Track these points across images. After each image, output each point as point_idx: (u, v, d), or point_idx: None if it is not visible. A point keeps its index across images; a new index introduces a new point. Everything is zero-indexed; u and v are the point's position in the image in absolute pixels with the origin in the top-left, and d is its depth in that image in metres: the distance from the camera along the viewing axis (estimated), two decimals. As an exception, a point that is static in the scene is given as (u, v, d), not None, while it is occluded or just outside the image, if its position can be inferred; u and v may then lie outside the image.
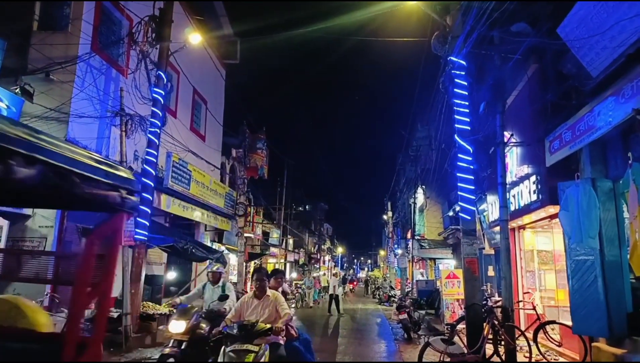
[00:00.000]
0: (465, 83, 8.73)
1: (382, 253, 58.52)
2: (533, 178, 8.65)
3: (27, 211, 9.11)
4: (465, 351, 7.28)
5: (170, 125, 13.51)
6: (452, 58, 8.71)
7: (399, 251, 32.47)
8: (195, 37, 12.00)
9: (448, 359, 6.95)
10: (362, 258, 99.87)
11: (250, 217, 21.71)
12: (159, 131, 10.84)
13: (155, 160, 10.69)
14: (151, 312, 10.56)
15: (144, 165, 10.69)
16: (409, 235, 27.21)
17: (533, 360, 7.46)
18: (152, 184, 10.68)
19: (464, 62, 8.66)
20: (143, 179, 10.51)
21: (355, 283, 49.72)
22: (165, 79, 11.03)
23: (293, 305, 22.04)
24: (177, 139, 13.76)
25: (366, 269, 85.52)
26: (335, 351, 10.07)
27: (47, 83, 9.44)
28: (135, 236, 9.86)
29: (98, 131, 10.36)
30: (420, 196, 25.65)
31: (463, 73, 8.71)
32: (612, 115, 5.93)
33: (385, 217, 47.19)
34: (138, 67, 11.34)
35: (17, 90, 8.49)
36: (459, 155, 8.78)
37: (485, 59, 9.74)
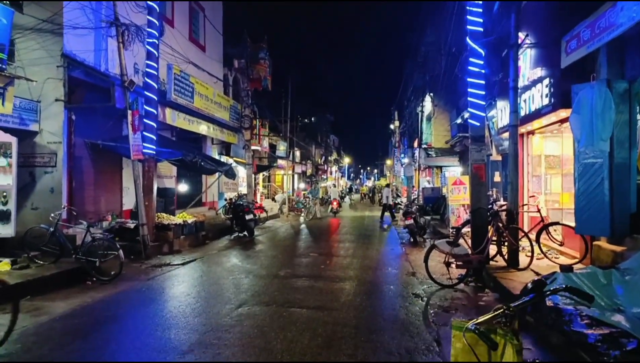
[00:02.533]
0: (480, -21, 8.13)
1: (388, 162, 59.01)
2: (546, 81, 8.37)
3: (34, 127, 9.11)
4: (470, 252, 7.59)
5: (169, 35, 13.00)
6: (466, -50, 8.03)
7: (406, 160, 32.69)
8: None
9: (452, 259, 7.28)
10: (368, 168, 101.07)
11: (256, 130, 21.65)
12: (157, 42, 10.44)
13: (156, 73, 10.43)
14: (166, 223, 10.97)
15: (145, 78, 10.45)
16: (415, 144, 27.22)
17: (535, 259, 7.77)
18: (156, 98, 10.53)
19: (479, -45, 8.00)
20: (145, 92, 10.35)
21: (366, 190, 51.27)
22: (159, -16, 10.37)
23: (302, 216, 22.78)
24: (177, 50, 13.29)
25: (372, 179, 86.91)
26: (345, 254, 10.55)
27: (36, -9, 8.93)
28: (144, 150, 9.94)
29: (94, 43, 9.98)
30: (428, 104, 25.23)
31: (478, -33, 8.08)
32: (636, 10, 5.53)
33: (392, 126, 46.88)
34: (129, -29, 10.62)
35: (5, 0, 8.05)
36: (470, 59, 8.44)
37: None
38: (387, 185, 24.21)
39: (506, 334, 1.90)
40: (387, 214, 20.42)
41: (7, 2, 8.08)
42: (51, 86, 9.15)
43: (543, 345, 4.36)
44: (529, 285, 2.11)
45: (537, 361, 2.11)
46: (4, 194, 8.02)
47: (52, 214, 8.41)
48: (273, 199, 26.65)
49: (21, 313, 5.68)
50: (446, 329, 5.11)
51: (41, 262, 7.94)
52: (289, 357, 4.23)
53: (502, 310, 1.93)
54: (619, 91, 6.26)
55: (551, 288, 2.09)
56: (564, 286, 2.07)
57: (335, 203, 24.20)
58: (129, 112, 9.75)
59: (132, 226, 10.08)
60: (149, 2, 10.23)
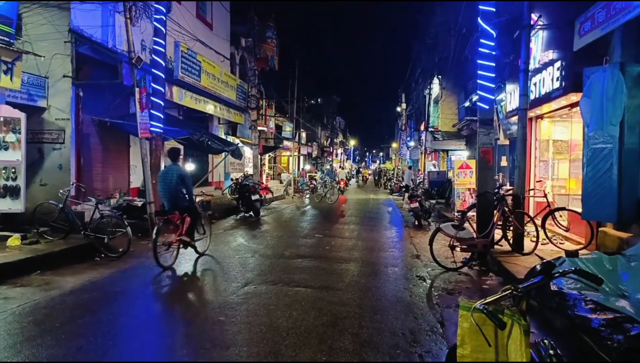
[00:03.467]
0: (494, -43, 7.96)
1: (394, 145, 58.77)
2: (557, 64, 8.25)
3: (42, 103, 9.13)
4: (475, 236, 7.60)
5: (176, 12, 12.87)
6: None
7: (412, 144, 32.56)
8: None
9: (457, 243, 7.30)
10: (374, 151, 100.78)
11: (262, 110, 21.58)
12: (164, 18, 10.35)
13: (163, 50, 10.36)
14: (173, 201, 11.02)
15: (153, 55, 10.40)
16: (422, 127, 27.06)
17: (540, 244, 7.78)
18: (163, 76, 10.49)
19: None
20: (153, 70, 10.31)
21: (369, 174, 51.55)
22: (166, -41, 10.23)
23: (307, 196, 22.86)
24: (184, 27, 13.17)
25: (378, 161, 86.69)
26: (349, 236, 10.61)
27: (43, -34, 8.85)
28: (151, 129, 9.95)
29: (102, 19, 9.91)
30: (435, 87, 24.98)
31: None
32: (654, -9, 5.43)
33: (398, 109, 46.55)
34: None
35: (13, -26, 7.98)
36: (481, 40, 8.32)
37: None
38: (410, 167, 23.94)
39: (514, 315, 1.93)
40: (391, 197, 20.41)
41: (15, -24, 8.02)
42: (59, 61, 9.14)
43: (547, 329, 4.40)
44: (538, 267, 2.12)
45: (544, 341, 2.13)
46: (13, 170, 8.10)
47: (61, 191, 8.50)
48: (279, 180, 26.71)
49: (32, 287, 5.82)
50: (450, 311, 5.16)
51: (50, 238, 8.05)
52: (295, 335, 4.30)
53: (510, 290, 1.95)
54: (632, 75, 6.15)
55: (560, 271, 2.11)
56: (572, 269, 2.08)
57: (342, 183, 26.68)
58: (137, 89, 9.73)
59: (139, 204, 10.16)
60: (156, -22, 10.11)
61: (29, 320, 4.62)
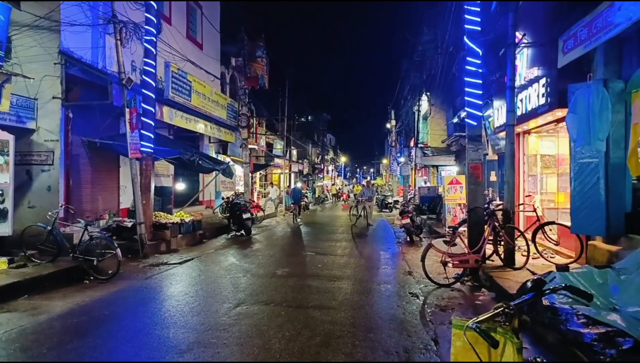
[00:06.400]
0: (477, -22, 8.16)
1: (384, 161, 59.11)
2: (543, 81, 8.42)
3: (31, 125, 9.08)
4: (466, 251, 7.62)
5: (166, 33, 12.95)
6: (464, -50, 8.05)
7: (402, 160, 32.75)
8: None
9: (449, 259, 7.31)
10: (364, 167, 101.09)
11: (253, 128, 21.64)
12: (155, 39, 10.41)
13: (153, 70, 10.40)
14: (164, 221, 10.95)
15: (143, 76, 10.43)
16: (412, 143, 27.28)
17: (531, 258, 7.81)
18: (154, 96, 10.51)
19: (476, -45, 8.02)
20: (143, 90, 10.33)
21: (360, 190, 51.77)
22: (156, -18, 10.34)
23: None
24: (174, 47, 13.25)
25: (368, 178, 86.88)
26: (342, 253, 10.57)
27: (33, -11, 8.89)
28: (141, 149, 9.91)
29: (92, 41, 9.94)
30: (424, 104, 25.28)
31: (475, -33, 8.11)
32: (633, 10, 5.57)
33: (388, 126, 46.92)
34: (126, -32, 10.59)
35: (2, -3, 8.00)
36: (468, 58, 8.47)
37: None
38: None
39: (506, 332, 1.93)
40: (383, 213, 20.28)
41: (4, -2, 8.04)
42: (48, 83, 9.12)
43: (539, 344, 4.39)
44: (529, 284, 2.13)
45: (537, 359, 2.13)
46: (1, 192, 7.99)
47: (50, 213, 8.40)
48: (268, 198, 26.52)
49: (19, 312, 5.71)
50: (443, 328, 5.14)
51: (38, 261, 7.92)
52: (288, 356, 4.25)
53: (502, 308, 1.95)
54: (616, 91, 6.30)
55: (550, 287, 2.12)
56: (562, 285, 2.09)
57: (344, 195, 34.67)
58: (127, 110, 9.73)
59: (129, 225, 10.06)
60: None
61: (15, 346, 4.52)
